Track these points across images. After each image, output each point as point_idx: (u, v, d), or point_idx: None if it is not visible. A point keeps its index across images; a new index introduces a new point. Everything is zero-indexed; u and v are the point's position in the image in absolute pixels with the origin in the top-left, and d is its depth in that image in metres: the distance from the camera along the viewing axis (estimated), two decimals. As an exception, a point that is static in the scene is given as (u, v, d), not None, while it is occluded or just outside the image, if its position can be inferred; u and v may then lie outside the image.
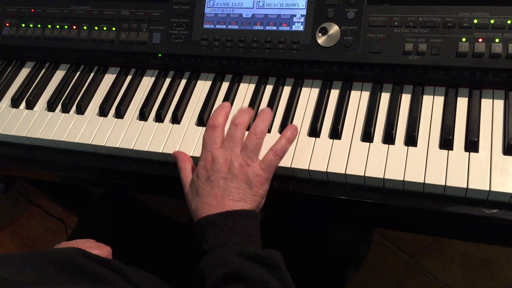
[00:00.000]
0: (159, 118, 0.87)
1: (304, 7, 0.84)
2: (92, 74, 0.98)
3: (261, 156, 0.73)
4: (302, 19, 0.84)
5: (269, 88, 0.87)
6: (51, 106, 0.94)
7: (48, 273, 0.58)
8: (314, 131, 0.79)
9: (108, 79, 0.97)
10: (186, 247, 1.02)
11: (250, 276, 0.60)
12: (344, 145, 0.77)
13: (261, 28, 0.86)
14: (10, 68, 1.04)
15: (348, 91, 0.83)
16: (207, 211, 0.67)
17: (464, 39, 0.75)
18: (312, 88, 0.85)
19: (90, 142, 0.86)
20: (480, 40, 0.75)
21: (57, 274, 0.58)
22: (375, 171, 0.72)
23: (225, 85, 0.90)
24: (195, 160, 0.79)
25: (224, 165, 0.70)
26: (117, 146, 0.85)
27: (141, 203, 1.15)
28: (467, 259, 1.49)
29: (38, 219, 1.92)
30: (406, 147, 0.74)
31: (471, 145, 0.71)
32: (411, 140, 0.74)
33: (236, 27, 0.87)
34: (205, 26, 0.89)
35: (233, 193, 0.68)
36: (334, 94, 0.83)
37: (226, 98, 0.87)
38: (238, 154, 0.70)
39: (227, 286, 0.60)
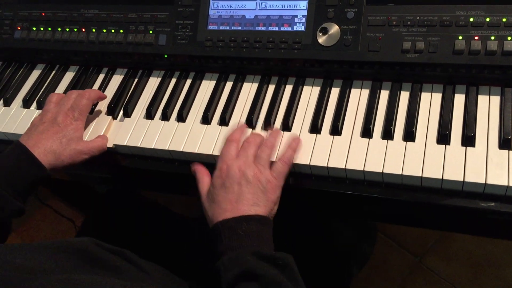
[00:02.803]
0: (165, 117, 0.90)
1: (305, 8, 0.87)
2: (100, 75, 1.02)
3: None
4: (303, 20, 0.86)
5: (271, 87, 0.90)
6: (61, 106, 0.97)
7: (62, 261, 0.60)
8: (315, 128, 0.81)
9: (116, 80, 1.00)
10: (193, 243, 1.04)
11: (264, 275, 0.62)
12: (344, 141, 0.79)
13: (264, 28, 0.89)
14: (21, 70, 1.08)
15: (348, 89, 0.85)
16: (223, 216, 0.70)
17: (460, 37, 0.77)
18: (313, 87, 0.88)
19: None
20: (476, 38, 0.77)
21: (71, 263, 0.61)
22: (374, 166, 0.75)
23: (228, 85, 0.92)
24: (199, 156, 0.82)
25: (238, 173, 0.73)
26: (125, 144, 0.88)
27: (147, 200, 1.17)
28: (471, 257, 1.50)
29: (49, 220, 1.95)
30: (405, 142, 0.76)
31: (468, 140, 0.73)
32: (409, 135, 0.76)
33: (240, 28, 0.90)
34: (209, 27, 0.92)
35: (247, 198, 0.71)
36: (335, 92, 0.86)
37: (230, 97, 0.90)
38: (251, 163, 0.74)
39: (241, 284, 0.62)
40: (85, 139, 0.89)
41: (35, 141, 0.80)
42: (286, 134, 0.82)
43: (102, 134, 0.90)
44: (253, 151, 0.76)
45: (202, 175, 0.78)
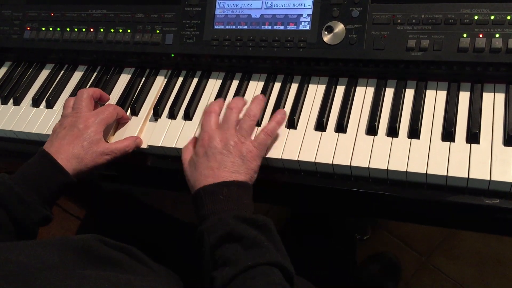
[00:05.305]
0: (172, 115, 0.91)
1: (310, 7, 0.87)
2: (108, 75, 1.03)
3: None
4: (309, 19, 0.87)
5: (277, 86, 0.90)
6: (69, 105, 0.99)
7: (66, 258, 0.61)
8: (320, 126, 0.82)
9: (124, 79, 1.01)
10: (192, 248, 1.05)
11: (246, 236, 0.65)
12: (350, 138, 0.79)
13: (270, 27, 0.90)
14: (31, 69, 1.09)
15: (353, 87, 0.86)
16: (204, 182, 0.73)
17: (465, 35, 0.78)
18: (318, 85, 0.88)
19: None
20: (481, 35, 0.77)
21: (75, 259, 0.61)
22: (379, 163, 0.75)
23: (235, 83, 0.93)
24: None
25: (220, 143, 0.76)
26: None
27: (147, 205, 1.18)
28: (478, 256, 1.50)
29: (57, 219, 1.96)
30: (409, 139, 0.77)
31: (473, 137, 0.74)
32: (414, 132, 0.77)
33: (245, 27, 0.91)
34: (216, 26, 0.92)
35: (228, 166, 0.74)
36: (340, 90, 0.86)
37: (236, 96, 0.91)
38: (233, 133, 0.77)
39: (224, 245, 0.65)
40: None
41: (58, 148, 0.81)
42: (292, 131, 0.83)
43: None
44: (235, 118, 0.79)
45: (189, 143, 0.82)
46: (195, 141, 0.82)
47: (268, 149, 0.81)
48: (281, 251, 0.67)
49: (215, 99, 0.91)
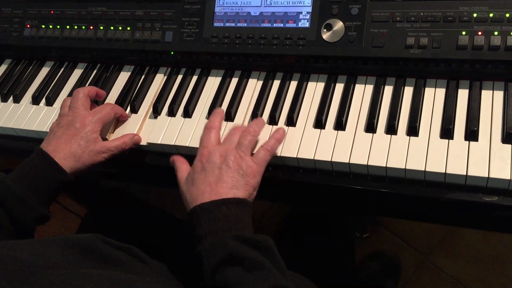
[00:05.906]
0: (171, 113, 0.91)
1: (309, 4, 0.87)
2: (108, 72, 1.03)
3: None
4: (308, 16, 0.87)
5: (276, 83, 0.91)
6: (69, 103, 0.99)
7: (68, 257, 0.61)
8: (320, 123, 0.82)
9: (123, 77, 1.01)
10: (190, 247, 1.05)
11: (246, 258, 0.63)
12: (348, 136, 0.80)
13: (269, 25, 0.90)
14: (31, 67, 1.10)
15: (352, 85, 0.86)
16: (201, 198, 0.71)
17: (464, 33, 0.78)
18: (317, 83, 0.88)
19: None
20: (480, 33, 0.77)
21: (77, 258, 0.61)
22: (377, 160, 0.75)
23: (234, 81, 0.93)
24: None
25: (220, 158, 0.75)
26: (132, 139, 0.89)
27: (148, 204, 1.18)
28: (478, 254, 1.50)
29: (58, 217, 1.97)
30: (408, 137, 0.77)
31: (471, 134, 0.74)
32: (412, 130, 0.77)
33: (245, 24, 0.91)
34: (215, 24, 0.93)
35: (226, 181, 0.72)
36: (339, 88, 0.86)
37: (235, 93, 0.91)
38: (233, 149, 0.76)
39: (225, 269, 0.63)
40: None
41: (55, 147, 0.81)
42: (291, 129, 0.83)
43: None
44: (236, 138, 0.78)
45: (181, 163, 0.80)
46: (186, 161, 0.80)
47: None
48: (283, 271, 0.65)
49: (214, 96, 0.91)
